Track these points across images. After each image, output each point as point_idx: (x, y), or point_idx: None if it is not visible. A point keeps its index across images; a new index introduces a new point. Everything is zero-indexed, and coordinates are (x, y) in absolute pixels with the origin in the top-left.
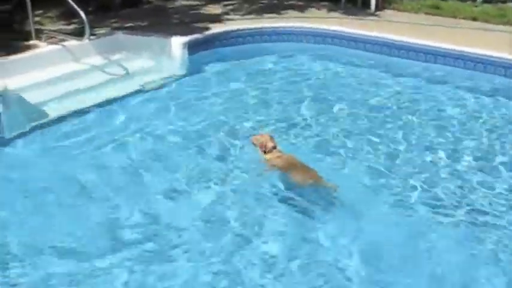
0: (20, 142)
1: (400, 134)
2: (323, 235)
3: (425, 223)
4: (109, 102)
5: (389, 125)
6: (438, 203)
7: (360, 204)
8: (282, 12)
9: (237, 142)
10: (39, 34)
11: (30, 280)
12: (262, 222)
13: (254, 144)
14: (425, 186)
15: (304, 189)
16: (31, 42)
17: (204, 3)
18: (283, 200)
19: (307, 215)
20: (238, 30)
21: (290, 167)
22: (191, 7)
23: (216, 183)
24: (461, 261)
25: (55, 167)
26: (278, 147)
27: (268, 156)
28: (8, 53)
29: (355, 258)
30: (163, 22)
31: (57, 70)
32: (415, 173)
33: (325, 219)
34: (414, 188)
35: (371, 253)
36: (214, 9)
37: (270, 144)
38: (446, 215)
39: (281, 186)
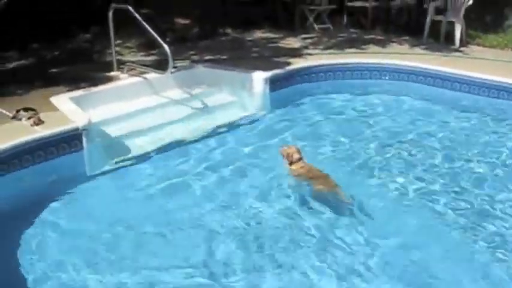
0: (101, 179)
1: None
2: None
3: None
4: (191, 137)
5: (475, 176)
6: None
7: None
8: (363, 47)
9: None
10: (119, 65)
11: None
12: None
13: (282, 155)
14: None
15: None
16: (112, 73)
17: (282, 36)
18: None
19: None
20: (319, 65)
21: (312, 176)
22: (269, 40)
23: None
24: None
25: (139, 204)
26: (303, 159)
27: (293, 166)
28: (91, 85)
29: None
30: (242, 56)
31: (139, 103)
32: None
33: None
34: None
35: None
36: (293, 42)
37: (296, 156)
38: None
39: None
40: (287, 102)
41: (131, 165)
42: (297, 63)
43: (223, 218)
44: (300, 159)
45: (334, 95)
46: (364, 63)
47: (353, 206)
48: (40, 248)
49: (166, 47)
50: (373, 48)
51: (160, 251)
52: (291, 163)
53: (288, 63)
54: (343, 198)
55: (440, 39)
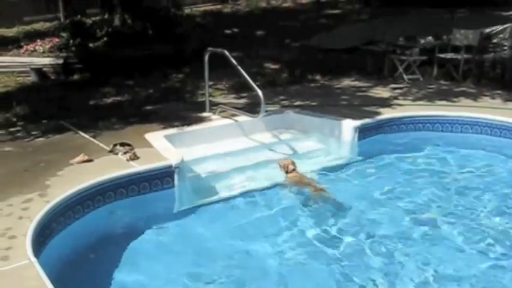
0: (188, 216)
1: None
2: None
3: None
4: (278, 182)
5: None
6: None
7: None
8: (454, 99)
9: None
10: (211, 106)
11: None
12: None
13: (280, 166)
14: None
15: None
16: (204, 114)
17: (370, 85)
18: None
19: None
20: (409, 116)
21: (303, 182)
22: (358, 88)
23: None
24: None
25: (220, 245)
26: (296, 170)
27: (289, 175)
28: (183, 124)
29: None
30: (331, 103)
31: (229, 145)
32: None
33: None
34: None
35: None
36: (382, 92)
37: (291, 167)
38: None
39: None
40: (375, 152)
41: (217, 205)
42: (387, 113)
43: (305, 265)
44: (294, 170)
45: (422, 147)
46: (454, 116)
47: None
48: (125, 275)
49: (259, 91)
50: (464, 101)
51: None
52: (286, 172)
53: (377, 113)
54: (330, 197)
55: None
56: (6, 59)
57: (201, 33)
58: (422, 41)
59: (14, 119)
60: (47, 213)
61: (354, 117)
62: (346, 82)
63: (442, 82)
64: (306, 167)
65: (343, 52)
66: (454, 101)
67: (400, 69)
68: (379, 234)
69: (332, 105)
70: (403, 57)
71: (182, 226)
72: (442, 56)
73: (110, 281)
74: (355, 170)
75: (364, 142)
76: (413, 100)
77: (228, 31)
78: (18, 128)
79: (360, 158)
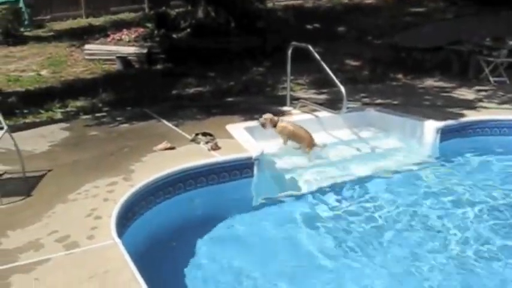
0: (265, 208)
1: None
2: None
3: None
4: (358, 179)
5: None
6: None
7: None
8: None
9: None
10: (292, 101)
11: None
12: None
13: (263, 125)
14: None
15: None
16: (285, 108)
17: (454, 86)
18: None
19: None
20: (494, 120)
21: (295, 133)
22: (442, 89)
23: None
24: None
25: (294, 239)
26: (282, 119)
27: (279, 124)
28: None
29: None
30: (413, 102)
31: None
32: None
33: None
34: None
35: None
36: (467, 93)
37: (275, 118)
38: None
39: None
40: (456, 155)
41: (295, 199)
42: (471, 116)
43: (378, 263)
44: (279, 120)
45: (507, 152)
46: None
47: None
48: (201, 261)
49: (342, 87)
50: None
51: None
52: (275, 125)
53: (461, 115)
54: (320, 147)
55: None
56: (94, 47)
57: (283, 28)
58: (511, 43)
59: (100, 105)
60: (131, 196)
61: (436, 118)
62: (429, 82)
63: None
64: (384, 166)
65: (427, 51)
66: None
67: (486, 71)
68: (455, 237)
69: (414, 105)
70: (490, 59)
71: (259, 217)
72: None
73: (186, 265)
74: (435, 171)
75: (446, 144)
76: (499, 103)
77: (309, 26)
78: (103, 114)
79: (440, 159)
